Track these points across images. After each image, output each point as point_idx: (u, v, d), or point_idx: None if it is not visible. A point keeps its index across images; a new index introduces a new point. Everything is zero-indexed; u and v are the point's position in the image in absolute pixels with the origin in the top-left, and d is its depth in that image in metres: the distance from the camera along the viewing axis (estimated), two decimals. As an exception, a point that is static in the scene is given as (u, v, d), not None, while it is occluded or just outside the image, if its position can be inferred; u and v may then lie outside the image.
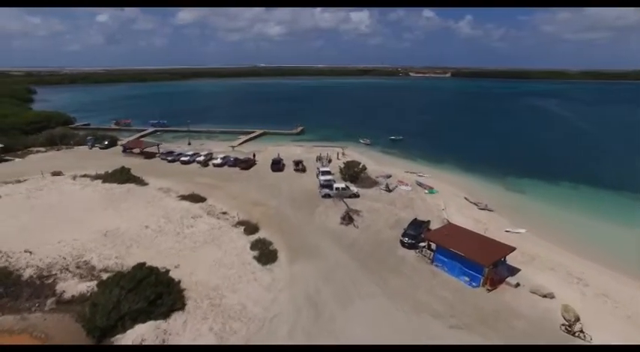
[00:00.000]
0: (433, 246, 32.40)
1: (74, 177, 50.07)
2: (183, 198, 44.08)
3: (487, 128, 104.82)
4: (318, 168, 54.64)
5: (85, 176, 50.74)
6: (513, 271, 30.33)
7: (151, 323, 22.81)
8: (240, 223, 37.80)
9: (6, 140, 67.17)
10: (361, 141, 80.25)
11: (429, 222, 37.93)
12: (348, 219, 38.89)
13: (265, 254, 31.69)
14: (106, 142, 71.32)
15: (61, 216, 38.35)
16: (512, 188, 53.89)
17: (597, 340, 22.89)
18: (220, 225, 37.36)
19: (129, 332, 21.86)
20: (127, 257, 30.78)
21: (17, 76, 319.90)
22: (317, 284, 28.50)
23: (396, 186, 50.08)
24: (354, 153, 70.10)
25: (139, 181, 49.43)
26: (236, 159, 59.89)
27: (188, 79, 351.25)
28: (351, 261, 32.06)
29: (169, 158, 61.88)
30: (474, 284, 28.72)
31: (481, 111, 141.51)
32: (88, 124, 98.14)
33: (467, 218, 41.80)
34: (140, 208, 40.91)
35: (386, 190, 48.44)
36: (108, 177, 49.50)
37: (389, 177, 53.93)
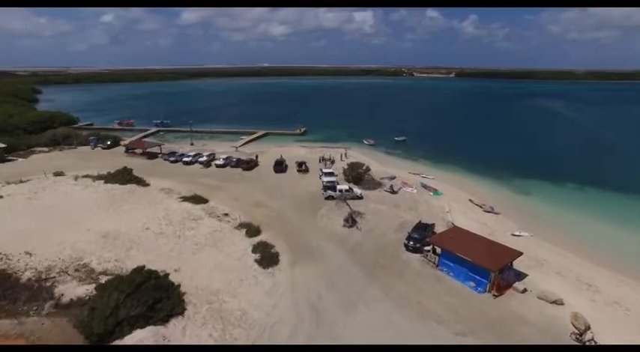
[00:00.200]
0: (438, 249, 31.75)
1: (76, 178, 49.82)
2: (185, 199, 43.66)
3: (492, 129, 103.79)
4: (321, 170, 54.07)
5: (86, 176, 50.48)
6: (520, 276, 29.62)
7: (149, 329, 22.33)
8: (241, 225, 37.31)
9: (10, 140, 67.19)
10: (365, 141, 79.59)
11: (433, 224, 37.28)
12: (351, 221, 38.29)
13: (267, 257, 31.18)
14: (109, 142, 71.16)
15: (61, 217, 38.04)
16: (518, 190, 53.03)
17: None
18: (222, 227, 36.89)
19: (127, 338, 21.40)
20: (126, 260, 30.37)
21: (23, 76, 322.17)
22: (319, 289, 27.93)
23: (400, 188, 49.41)
24: (358, 153, 69.44)
25: (141, 182, 49.11)
26: (238, 159, 59.45)
27: (192, 79, 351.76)
28: (354, 264, 31.47)
29: (171, 158, 61.57)
30: (480, 289, 28.05)
31: (486, 112, 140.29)
32: (92, 124, 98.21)
33: (472, 221, 41.07)
34: (141, 209, 40.53)
35: (390, 192, 47.78)
36: (110, 178, 49.20)
37: (393, 178, 53.26)
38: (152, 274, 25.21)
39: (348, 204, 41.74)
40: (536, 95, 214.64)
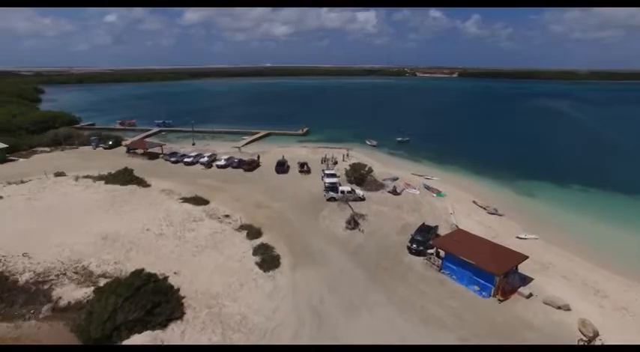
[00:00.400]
0: (442, 252, 31.22)
1: (76, 178, 49.59)
2: (186, 200, 43.31)
3: (495, 129, 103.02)
4: (323, 170, 53.63)
5: (87, 177, 50.25)
6: (525, 280, 29.05)
7: (147, 334, 21.93)
8: (242, 227, 36.91)
9: (12, 140, 67.10)
10: (367, 142, 79.04)
11: (436, 227, 36.74)
12: (353, 223, 37.81)
13: (267, 260, 30.75)
14: (110, 142, 70.98)
15: (61, 218, 37.76)
16: (522, 191, 52.37)
17: (617, 357, 21.59)
18: (222, 229, 36.50)
19: (124, 343, 21.00)
20: (126, 262, 30.02)
21: (27, 76, 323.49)
22: (321, 293, 27.48)
23: (403, 189, 48.88)
24: (360, 154, 68.91)
25: (142, 183, 48.82)
26: (240, 160, 59.07)
27: (194, 79, 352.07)
28: (356, 267, 31.00)
29: (173, 159, 61.26)
30: (484, 293, 27.52)
31: (489, 112, 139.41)
32: (93, 124, 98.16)
33: (476, 223, 40.52)
34: (141, 211, 40.20)
35: (393, 193, 47.26)
36: (110, 178, 48.95)
37: (396, 179, 52.75)
38: (151, 277, 24.85)
39: (350, 206, 41.27)
40: (540, 95, 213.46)
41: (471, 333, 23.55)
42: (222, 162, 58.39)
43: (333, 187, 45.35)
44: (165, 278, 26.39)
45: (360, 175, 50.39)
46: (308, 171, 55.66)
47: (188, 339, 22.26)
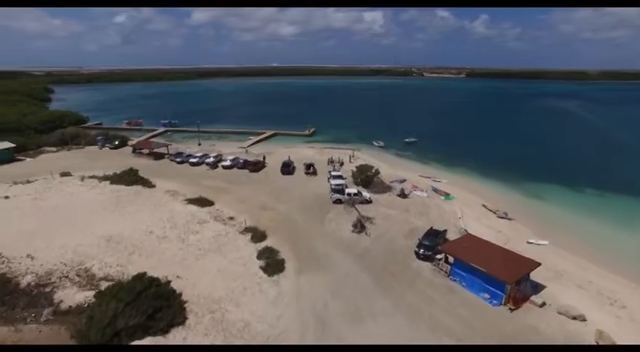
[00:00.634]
0: (450, 258, 30.37)
1: (82, 179, 49.48)
2: (190, 201, 42.90)
3: (504, 130, 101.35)
4: (329, 172, 52.92)
5: (93, 177, 50.12)
6: (538, 288, 28.09)
7: (148, 340, 21.49)
8: (247, 229, 36.37)
9: (20, 140, 67.48)
10: (375, 143, 78.14)
11: (445, 231, 35.86)
12: (359, 226, 37.07)
13: (272, 264, 30.14)
14: (117, 142, 71.02)
15: (66, 218, 37.56)
16: (533, 195, 51.15)
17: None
18: (227, 232, 35.99)
19: (124, 349, 20.55)
20: (128, 265, 29.63)
21: (38, 76, 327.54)
22: (325, 299, 26.79)
23: (411, 192, 48.00)
24: (367, 155, 68.13)
25: (147, 183, 48.56)
26: (245, 161, 58.61)
27: (202, 79, 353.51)
28: (363, 272, 30.27)
29: (178, 159, 61.01)
30: (495, 302, 26.61)
31: (498, 113, 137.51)
32: (101, 124, 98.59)
33: (486, 227, 39.59)
34: (146, 212, 39.86)
35: (400, 196, 46.39)
36: (116, 179, 48.78)
37: (403, 181, 51.87)
38: (153, 281, 24.39)
39: (356, 209, 40.53)
40: (549, 95, 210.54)
41: (482, 343, 22.67)
42: (228, 163, 57.98)
43: (339, 189, 44.62)
44: (168, 282, 25.91)
45: (366, 177, 49.62)
46: (314, 173, 55.03)
47: (190, 346, 21.71)
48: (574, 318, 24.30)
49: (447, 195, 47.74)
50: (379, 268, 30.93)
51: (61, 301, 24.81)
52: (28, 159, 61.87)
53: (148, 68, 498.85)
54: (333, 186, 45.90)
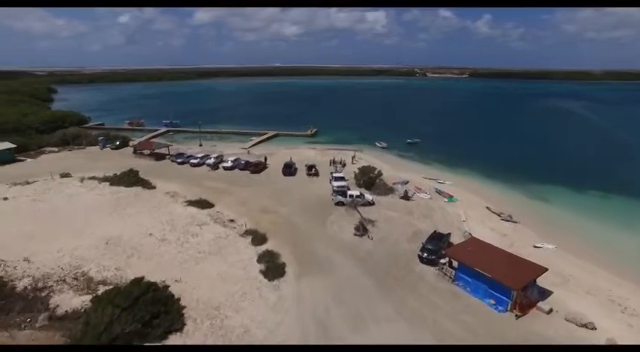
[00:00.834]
0: (455, 263, 29.73)
1: (82, 180, 49.07)
2: (190, 203, 42.41)
3: (507, 131, 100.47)
4: (331, 173, 52.32)
5: (93, 178, 49.69)
6: (544, 294, 27.40)
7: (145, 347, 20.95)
8: (247, 232, 35.81)
9: (21, 140, 67.25)
10: (377, 144, 77.43)
11: (449, 234, 35.20)
12: (362, 229, 36.46)
13: (272, 268, 29.57)
14: (118, 143, 70.67)
15: (64, 220, 37.17)
16: (538, 197, 50.39)
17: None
18: (227, 234, 35.45)
19: (120, 357, 20.05)
20: (126, 268, 29.15)
21: (41, 76, 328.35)
22: (327, 304, 26.20)
23: (414, 194, 47.35)
24: (370, 156, 67.54)
25: (147, 184, 48.09)
26: (247, 162, 58.10)
27: (204, 79, 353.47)
28: (365, 277, 29.67)
29: (179, 160, 60.56)
30: (500, 308, 25.96)
31: (501, 113, 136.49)
32: (102, 124, 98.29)
33: (490, 230, 38.94)
34: (145, 214, 39.39)
35: (403, 198, 45.75)
36: (115, 180, 48.35)
37: (406, 183, 51.19)
38: (151, 286, 23.90)
39: (358, 211, 39.90)
40: (552, 95, 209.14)
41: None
42: (229, 164, 57.49)
43: (341, 191, 44.07)
44: (166, 286, 25.43)
45: (369, 179, 49.02)
46: (316, 174, 54.44)
47: (187, 353, 21.19)
48: (583, 326, 23.60)
49: (450, 198, 47.08)
50: (382, 272, 30.33)
51: (57, 306, 24.32)
52: (28, 160, 61.59)
53: (151, 68, 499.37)
54: (335, 188, 45.34)
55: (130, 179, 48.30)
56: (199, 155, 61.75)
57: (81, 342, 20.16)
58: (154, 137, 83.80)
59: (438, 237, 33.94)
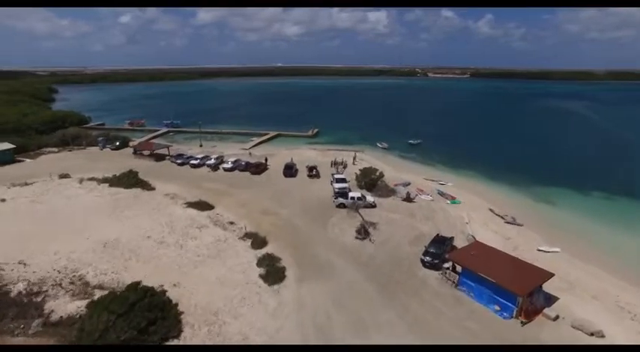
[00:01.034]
0: (458, 267, 29.11)
1: (81, 181, 48.63)
2: (190, 205, 41.91)
3: (510, 131, 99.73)
4: (332, 175, 51.72)
5: (92, 179, 49.25)
6: (550, 300, 26.77)
7: (141, 355, 20.43)
8: (247, 235, 35.26)
9: (20, 140, 66.92)
10: (378, 144, 76.83)
11: (452, 238, 34.57)
12: (363, 232, 35.85)
13: (272, 272, 29.01)
14: (118, 143, 70.26)
15: (62, 222, 36.71)
16: (542, 198, 49.68)
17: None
18: (226, 237, 34.92)
19: (115, 365, 19.51)
20: (123, 272, 28.65)
21: (43, 76, 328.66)
22: (328, 310, 25.63)
23: (416, 195, 46.72)
24: (371, 157, 66.98)
25: (146, 186, 47.63)
26: (247, 163, 57.59)
27: (205, 79, 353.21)
28: (366, 281, 29.09)
29: (179, 161, 60.08)
30: (505, 314, 25.34)
31: (503, 114, 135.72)
32: (103, 124, 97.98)
33: (493, 233, 38.30)
34: (144, 216, 38.90)
35: (405, 200, 45.13)
36: (115, 181, 47.92)
37: (408, 184, 50.59)
38: (147, 292, 23.32)
39: (360, 214, 39.30)
40: (554, 96, 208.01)
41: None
42: (229, 165, 56.97)
43: (342, 193, 43.50)
44: (163, 291, 24.90)
45: (370, 180, 48.43)
46: (317, 175, 53.87)
47: (184, 361, 20.66)
48: (591, 335, 22.92)
49: (453, 200, 46.44)
50: (384, 277, 29.74)
51: (52, 311, 23.81)
52: (28, 160, 61.23)
53: (152, 68, 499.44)
54: (336, 190, 44.79)
55: (130, 180, 47.84)
56: (199, 156, 61.27)
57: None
58: (154, 137, 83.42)
59: (440, 240, 33.33)
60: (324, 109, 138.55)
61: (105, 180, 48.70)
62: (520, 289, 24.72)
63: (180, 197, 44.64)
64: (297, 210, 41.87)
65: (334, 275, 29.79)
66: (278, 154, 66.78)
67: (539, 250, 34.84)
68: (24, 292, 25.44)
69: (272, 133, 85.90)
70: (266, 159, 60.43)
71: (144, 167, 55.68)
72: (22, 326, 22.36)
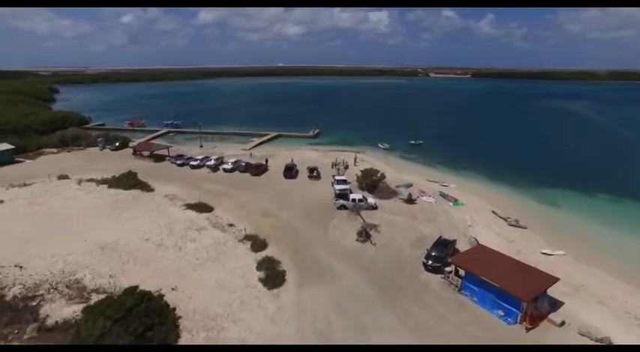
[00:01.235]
0: (461, 271, 28.60)
1: (79, 182, 48.26)
2: (189, 207, 41.47)
3: (513, 132, 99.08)
4: (333, 176, 51.22)
5: (90, 180, 48.88)
6: (555, 305, 26.23)
7: (137, 361, 19.97)
8: (247, 237, 34.83)
9: (19, 141, 66.62)
10: (380, 145, 76.27)
11: (454, 241, 34.07)
12: (364, 235, 35.37)
13: (272, 276, 28.55)
14: (117, 144, 69.87)
15: (60, 224, 36.33)
16: (545, 200, 49.03)
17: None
18: (226, 240, 34.47)
19: (111, 373, 19.07)
20: (121, 275, 28.23)
21: (45, 76, 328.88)
22: (328, 315, 25.15)
23: (418, 197, 46.21)
24: (372, 158, 66.42)
25: (146, 187, 47.22)
26: (247, 164, 57.13)
27: (207, 79, 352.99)
28: (367, 285, 28.60)
29: (179, 162, 59.65)
30: (509, 320, 24.82)
31: (505, 114, 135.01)
32: (103, 124, 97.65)
33: (496, 236, 37.73)
34: (143, 218, 38.49)
35: (407, 201, 44.63)
36: (113, 182, 47.53)
37: (409, 186, 50.07)
38: (145, 296, 22.85)
39: (361, 216, 38.80)
40: (557, 96, 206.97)
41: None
42: (229, 166, 56.52)
43: (343, 195, 43.01)
44: (161, 296, 24.46)
45: (371, 181, 47.92)
46: (317, 177, 53.37)
47: (181, 368, 20.20)
48: (598, 341, 22.39)
49: (455, 202, 45.89)
50: (385, 281, 29.25)
51: (47, 316, 23.39)
52: (27, 161, 60.90)
53: (154, 68, 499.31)
54: (337, 192, 44.28)
55: (129, 181, 47.45)
56: (199, 157, 60.84)
57: (69, 357, 19.22)
58: (154, 138, 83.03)
59: (443, 243, 32.83)
60: (325, 109, 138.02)
61: (104, 181, 48.32)
62: (525, 294, 24.22)
63: (179, 198, 44.22)
64: (297, 212, 41.40)
65: (335, 278, 29.31)
66: (278, 155, 66.31)
67: (543, 253, 34.28)
68: (19, 296, 25.04)
69: (273, 134, 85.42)
70: (266, 160, 59.96)
71: (143, 168, 55.31)
72: (16, 331, 21.93)
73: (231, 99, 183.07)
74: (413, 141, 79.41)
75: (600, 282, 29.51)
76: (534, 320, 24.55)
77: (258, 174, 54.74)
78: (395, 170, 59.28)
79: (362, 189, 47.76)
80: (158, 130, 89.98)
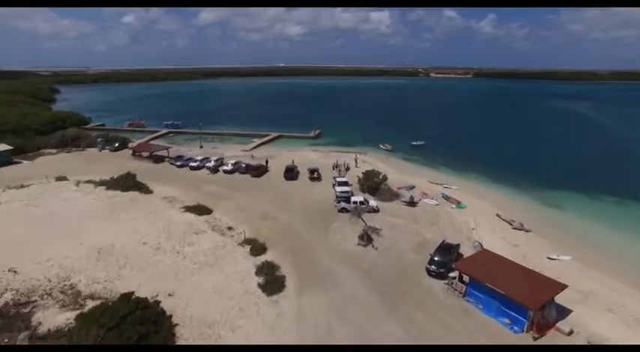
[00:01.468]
0: (465, 276, 27.87)
1: (77, 183, 47.63)
2: (188, 209, 40.79)
3: (515, 132, 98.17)
4: (334, 178, 50.50)
5: (89, 182, 48.24)
6: (563, 313, 25.48)
7: (131, 372, 19.32)
8: (246, 241, 34.13)
9: (18, 141, 66.09)
10: (381, 146, 75.50)
11: (458, 245, 33.39)
12: (366, 238, 34.66)
13: (271, 281, 27.87)
14: (117, 144, 69.27)
15: (57, 227, 35.70)
16: (550, 203, 48.21)
17: None
18: (224, 244, 33.79)
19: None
20: (117, 280, 27.59)
21: (46, 76, 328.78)
22: (329, 322, 24.48)
23: (420, 199, 45.47)
24: (374, 159, 65.68)
25: (144, 189, 46.56)
26: (247, 165, 56.43)
27: (207, 79, 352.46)
28: (369, 291, 27.90)
29: (178, 163, 58.96)
30: (516, 328, 24.10)
31: (507, 114, 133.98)
32: (103, 125, 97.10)
33: (500, 239, 36.98)
34: (141, 220, 37.84)
35: (409, 204, 43.90)
36: (112, 184, 46.87)
37: (412, 188, 49.38)
38: (140, 303, 22.24)
39: (362, 219, 38.06)
40: (559, 96, 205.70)
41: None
42: (229, 168, 55.82)
43: (345, 197, 42.30)
44: (157, 302, 23.81)
45: (373, 183, 47.17)
46: (318, 178, 52.65)
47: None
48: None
49: (458, 204, 45.12)
50: (387, 286, 28.54)
51: (40, 324, 22.76)
52: (25, 162, 60.34)
53: (155, 68, 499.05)
54: (338, 194, 43.59)
55: (127, 183, 46.82)
56: (199, 158, 60.15)
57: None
58: (154, 138, 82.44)
59: (446, 247, 32.10)
60: (327, 110, 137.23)
61: (102, 183, 47.66)
62: (531, 302, 23.48)
63: (178, 200, 43.56)
64: (297, 215, 40.70)
65: (336, 284, 28.61)
66: (279, 156, 65.59)
67: (549, 258, 33.52)
68: (11, 302, 24.40)
69: (273, 134, 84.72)
70: (267, 161, 59.26)
71: (142, 169, 54.70)
72: (6, 340, 21.29)
73: (231, 99, 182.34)
74: (414, 142, 78.65)
75: (609, 289, 28.74)
76: (542, 328, 23.83)
77: (258, 176, 54.06)
78: (397, 171, 58.52)
79: (363, 191, 47.04)
80: (158, 131, 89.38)
